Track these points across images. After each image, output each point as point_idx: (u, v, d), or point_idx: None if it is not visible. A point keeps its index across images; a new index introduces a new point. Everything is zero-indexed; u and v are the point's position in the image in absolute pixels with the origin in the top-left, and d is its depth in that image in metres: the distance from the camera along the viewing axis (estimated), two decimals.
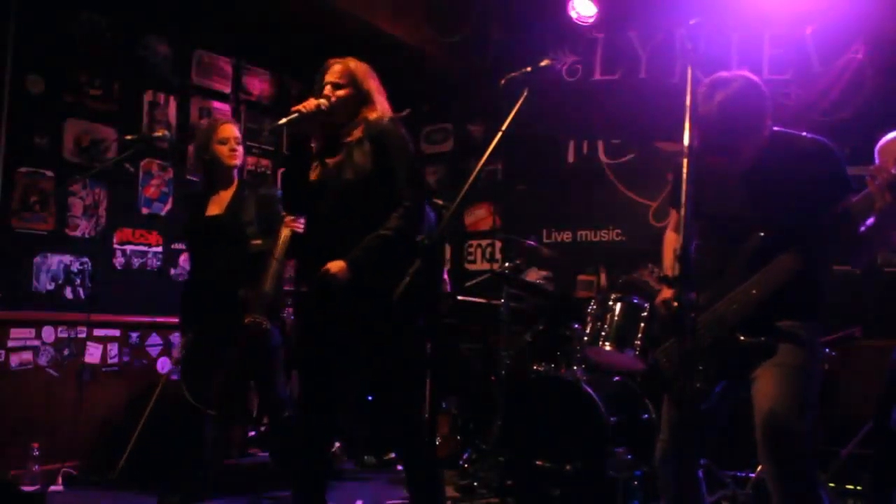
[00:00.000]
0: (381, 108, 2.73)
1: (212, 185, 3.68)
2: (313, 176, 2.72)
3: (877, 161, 3.31)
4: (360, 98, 2.71)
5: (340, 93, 2.68)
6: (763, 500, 3.41)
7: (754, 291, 2.26)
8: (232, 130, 3.64)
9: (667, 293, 2.49)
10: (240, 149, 3.65)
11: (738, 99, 2.25)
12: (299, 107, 2.61)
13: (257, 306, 3.40)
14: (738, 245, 2.34)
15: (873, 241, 2.25)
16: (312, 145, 2.77)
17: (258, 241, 3.51)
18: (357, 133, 2.68)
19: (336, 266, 2.56)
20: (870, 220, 2.18)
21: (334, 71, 2.72)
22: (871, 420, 3.50)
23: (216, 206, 3.63)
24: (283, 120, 2.58)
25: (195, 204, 3.75)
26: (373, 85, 2.75)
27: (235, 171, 3.67)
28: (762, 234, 2.28)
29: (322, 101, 2.65)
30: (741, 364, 2.28)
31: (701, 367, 2.28)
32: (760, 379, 2.23)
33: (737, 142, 2.29)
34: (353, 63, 2.74)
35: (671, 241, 2.72)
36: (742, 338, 2.27)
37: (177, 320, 4.88)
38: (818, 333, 2.35)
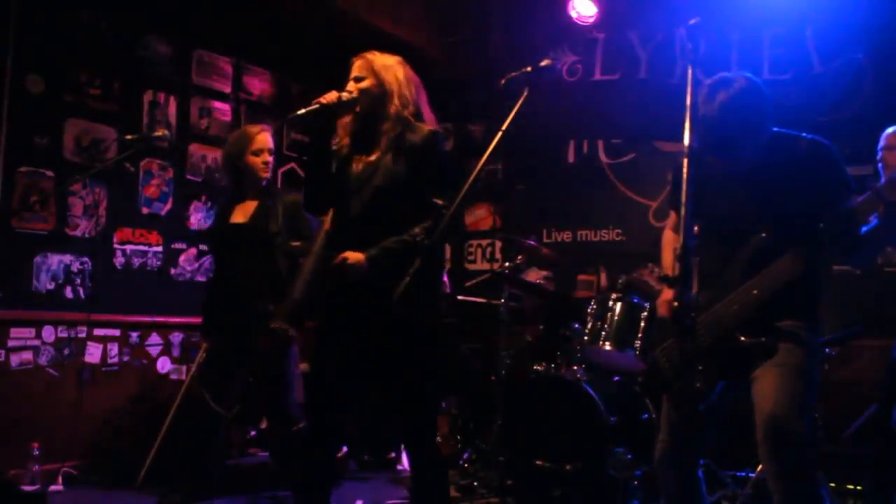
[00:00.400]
0: (404, 101, 2.65)
1: (240, 192, 3.62)
2: (345, 173, 2.68)
3: (881, 144, 3.32)
4: (382, 89, 2.64)
5: (362, 84, 2.64)
6: (763, 500, 3.41)
7: (755, 292, 2.26)
8: (267, 141, 3.56)
9: (668, 294, 2.48)
10: (271, 159, 3.59)
11: (739, 99, 2.25)
12: (320, 98, 2.57)
13: (285, 313, 3.36)
14: (738, 245, 2.34)
15: (875, 242, 2.25)
16: (344, 141, 2.73)
17: (297, 243, 3.44)
18: (392, 134, 2.62)
19: (354, 257, 2.53)
20: (872, 221, 2.18)
21: (355, 67, 2.69)
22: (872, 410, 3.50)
23: (241, 214, 3.56)
24: (303, 110, 2.54)
25: (220, 210, 3.72)
26: (394, 75, 2.67)
27: (265, 181, 3.60)
28: (764, 234, 2.28)
29: (343, 93, 2.62)
30: (741, 364, 2.28)
31: (701, 368, 2.28)
32: (761, 379, 2.23)
33: (737, 142, 2.29)
34: (370, 55, 2.70)
35: (670, 241, 2.72)
36: (742, 338, 2.26)
37: (176, 320, 4.93)
38: (818, 333, 2.35)
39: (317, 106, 2.55)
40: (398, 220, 2.59)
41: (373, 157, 2.64)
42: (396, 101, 2.64)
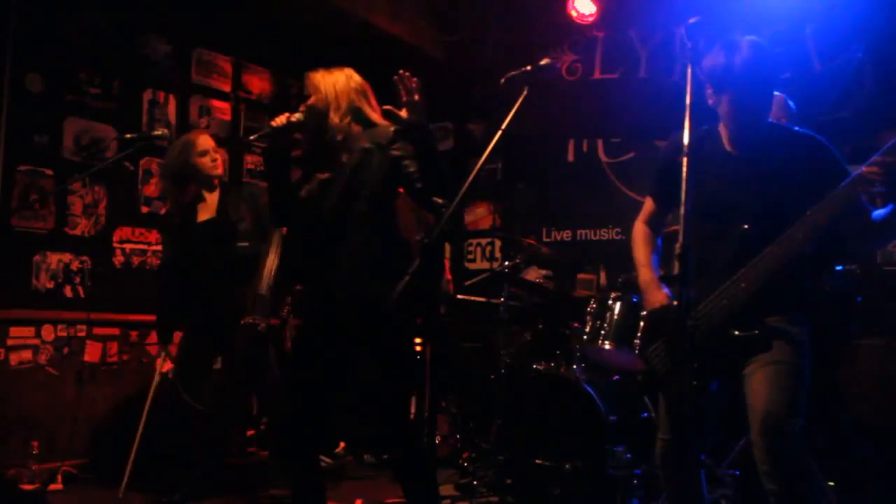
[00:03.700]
0: (343, 108, 2.70)
1: (197, 194, 3.80)
2: (304, 191, 2.74)
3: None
4: (324, 101, 2.70)
5: (308, 102, 2.72)
6: (763, 499, 3.40)
7: (742, 286, 2.25)
8: (209, 142, 3.78)
9: (658, 298, 2.44)
10: (219, 157, 3.80)
11: (761, 44, 2.32)
12: (271, 121, 2.67)
13: (254, 307, 3.44)
14: (727, 234, 2.32)
15: (889, 229, 2.23)
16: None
17: (245, 244, 3.63)
18: (341, 139, 2.68)
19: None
20: (889, 208, 2.17)
21: (305, 88, 2.77)
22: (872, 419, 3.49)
23: (206, 211, 3.76)
24: (254, 136, 2.71)
25: (183, 214, 3.84)
26: (332, 86, 2.72)
27: (218, 178, 3.81)
28: (746, 226, 2.27)
29: (295, 115, 2.69)
30: (735, 359, 2.26)
31: (695, 365, 2.26)
32: (753, 378, 2.21)
33: (768, 81, 2.31)
34: (315, 73, 2.76)
35: (641, 236, 2.66)
36: (735, 332, 2.25)
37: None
38: (809, 330, 2.34)
39: (267, 129, 2.66)
40: (376, 218, 2.63)
41: (334, 166, 2.69)
42: (335, 107, 2.70)
